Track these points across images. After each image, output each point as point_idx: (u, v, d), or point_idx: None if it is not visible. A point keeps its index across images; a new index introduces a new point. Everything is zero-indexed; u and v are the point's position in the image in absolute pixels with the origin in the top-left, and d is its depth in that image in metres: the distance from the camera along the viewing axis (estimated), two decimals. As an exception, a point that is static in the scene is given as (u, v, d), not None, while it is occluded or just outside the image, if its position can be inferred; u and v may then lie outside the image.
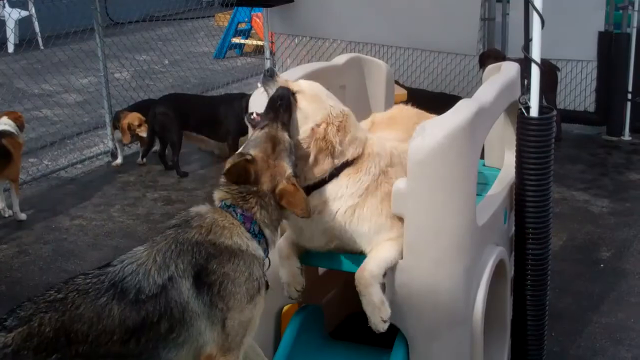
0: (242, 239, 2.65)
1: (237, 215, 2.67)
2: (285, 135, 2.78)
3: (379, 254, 2.96)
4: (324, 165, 2.89)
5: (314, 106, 2.93)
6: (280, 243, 3.10)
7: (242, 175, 2.71)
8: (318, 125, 2.90)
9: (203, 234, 2.60)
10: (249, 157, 2.71)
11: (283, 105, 2.85)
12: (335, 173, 2.93)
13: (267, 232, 2.74)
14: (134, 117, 7.22)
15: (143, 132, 7.24)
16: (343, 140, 2.91)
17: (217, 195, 2.74)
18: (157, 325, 2.47)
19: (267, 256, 2.77)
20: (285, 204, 2.70)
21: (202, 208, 2.71)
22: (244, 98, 7.10)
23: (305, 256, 3.16)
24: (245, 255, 2.64)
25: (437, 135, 2.88)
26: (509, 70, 3.68)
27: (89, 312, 2.43)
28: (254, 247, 2.68)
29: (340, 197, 2.92)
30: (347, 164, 2.94)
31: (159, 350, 2.50)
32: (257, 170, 2.71)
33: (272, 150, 2.75)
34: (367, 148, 2.99)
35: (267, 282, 2.83)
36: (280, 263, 3.11)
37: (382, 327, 2.90)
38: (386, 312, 2.89)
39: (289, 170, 2.73)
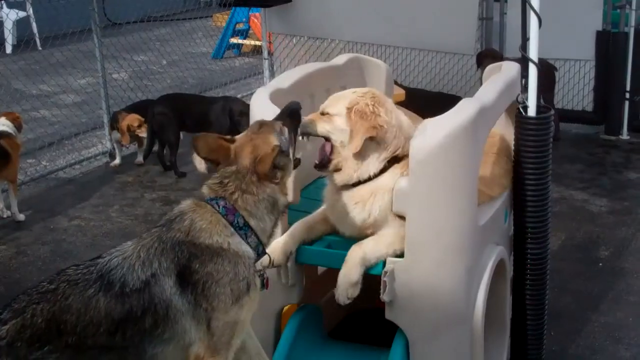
0: (221, 237, 2.61)
1: (219, 208, 2.64)
2: (279, 123, 2.77)
3: (381, 242, 3.00)
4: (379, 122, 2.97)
5: (341, 102, 3.06)
6: (294, 226, 3.18)
7: (215, 150, 2.71)
8: (349, 108, 3.00)
9: (183, 234, 2.60)
10: (227, 137, 2.74)
11: (288, 110, 2.88)
12: (386, 167, 3.02)
13: (252, 222, 2.67)
14: (133, 119, 7.21)
15: (143, 133, 7.24)
16: (382, 110, 3.01)
17: (203, 190, 2.74)
18: (141, 319, 2.49)
19: (259, 251, 2.72)
20: (258, 167, 2.66)
21: (184, 206, 2.69)
22: (236, 101, 7.19)
23: (302, 255, 3.16)
24: (229, 254, 2.60)
25: (438, 134, 2.89)
26: (509, 69, 3.67)
27: (77, 303, 2.47)
28: (236, 243, 2.63)
29: (391, 189, 2.99)
30: (396, 159, 3.02)
31: (145, 345, 2.51)
32: (237, 147, 2.70)
33: (257, 129, 2.75)
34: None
35: (266, 280, 2.81)
36: (283, 235, 3.17)
37: (344, 301, 3.02)
38: (354, 293, 2.99)
39: (275, 142, 2.69)
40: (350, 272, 2.98)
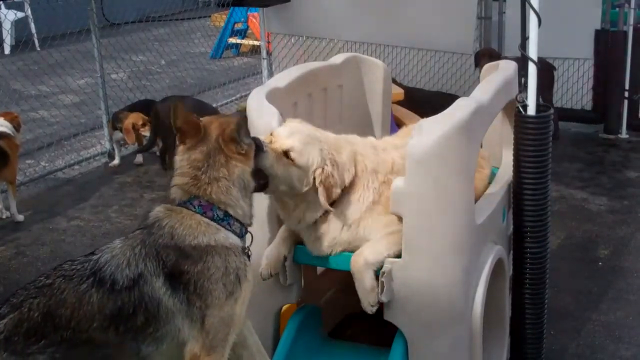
0: (207, 236, 2.60)
1: (195, 208, 2.62)
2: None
3: (377, 243, 3.00)
4: (335, 194, 2.97)
5: (311, 157, 2.94)
6: (282, 228, 3.16)
7: (188, 123, 2.70)
8: (315, 170, 2.94)
9: (167, 238, 2.58)
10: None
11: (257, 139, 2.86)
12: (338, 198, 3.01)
13: (231, 211, 2.66)
14: (137, 117, 7.20)
15: (146, 132, 7.22)
16: (340, 172, 2.99)
17: (174, 193, 2.68)
18: (133, 317, 2.50)
19: (243, 233, 2.71)
20: (225, 135, 2.64)
21: (159, 213, 2.65)
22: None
23: (301, 254, 3.16)
24: (218, 249, 2.59)
25: (435, 134, 2.89)
26: (506, 68, 3.68)
27: (72, 297, 2.49)
28: (222, 237, 2.62)
29: (346, 212, 3.01)
30: (345, 188, 3.01)
31: (139, 343, 2.52)
32: (205, 122, 2.69)
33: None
34: (359, 165, 3.05)
35: (249, 254, 2.77)
36: (274, 241, 3.15)
37: (371, 310, 3.00)
38: (374, 298, 2.97)
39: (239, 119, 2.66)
40: (362, 282, 2.97)
